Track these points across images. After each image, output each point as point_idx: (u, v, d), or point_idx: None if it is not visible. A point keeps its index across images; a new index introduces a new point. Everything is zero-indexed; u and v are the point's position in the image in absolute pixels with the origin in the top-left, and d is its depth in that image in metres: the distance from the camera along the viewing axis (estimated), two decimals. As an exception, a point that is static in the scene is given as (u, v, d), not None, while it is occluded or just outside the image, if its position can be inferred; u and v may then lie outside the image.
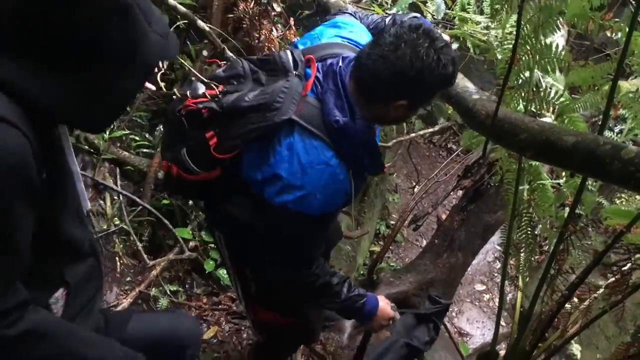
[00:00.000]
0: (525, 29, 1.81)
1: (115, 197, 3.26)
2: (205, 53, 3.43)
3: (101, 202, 3.19)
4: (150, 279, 3.02)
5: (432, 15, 2.78)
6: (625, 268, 1.99)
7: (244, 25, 3.61)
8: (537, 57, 1.81)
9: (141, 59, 1.13)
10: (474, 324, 4.74)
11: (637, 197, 2.79)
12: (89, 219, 1.44)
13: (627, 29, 1.50)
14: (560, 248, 2.09)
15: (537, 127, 1.64)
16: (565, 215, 2.01)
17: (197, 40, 3.75)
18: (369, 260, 4.39)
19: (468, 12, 2.68)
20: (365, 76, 1.61)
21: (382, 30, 1.66)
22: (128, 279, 3.10)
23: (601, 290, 2.12)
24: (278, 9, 3.73)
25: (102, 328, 1.48)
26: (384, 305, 2.03)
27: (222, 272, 3.29)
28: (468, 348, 3.93)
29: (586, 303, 2.20)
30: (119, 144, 3.45)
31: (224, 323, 3.20)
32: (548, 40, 1.85)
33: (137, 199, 3.16)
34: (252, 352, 2.80)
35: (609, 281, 2.08)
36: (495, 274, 5.25)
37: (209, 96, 1.70)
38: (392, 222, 5.11)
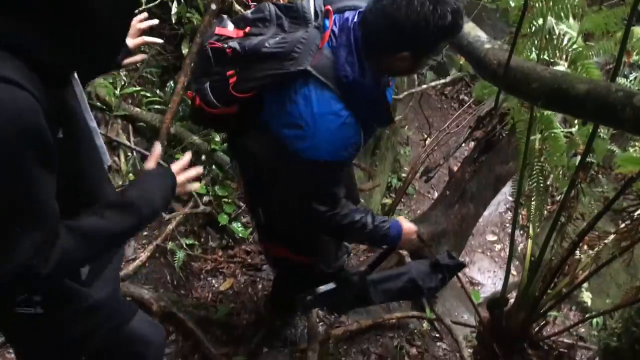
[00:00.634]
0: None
1: (129, 154, 3.30)
2: (213, 7, 3.39)
3: (115, 158, 3.23)
4: (167, 232, 3.08)
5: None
6: (637, 214, 2.00)
7: (252, -23, 3.56)
8: (551, 4, 1.78)
9: None
10: (485, 273, 4.82)
11: (651, 145, 2.77)
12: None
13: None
14: (571, 195, 2.10)
15: (549, 75, 1.63)
16: (577, 163, 2.01)
17: (204, -7, 3.70)
18: (381, 213, 4.44)
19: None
20: (368, 29, 1.67)
21: None
22: (145, 233, 3.16)
23: (611, 237, 2.14)
24: (286, -41, 3.67)
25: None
26: (407, 225, 2.12)
27: (237, 226, 3.35)
28: (480, 296, 4.00)
29: (597, 249, 2.22)
30: (130, 101, 3.46)
31: (239, 275, 3.27)
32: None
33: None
34: (268, 300, 2.90)
35: (618, 228, 2.09)
36: (507, 225, 5.28)
37: (235, 34, 1.81)
38: (404, 175, 5.13)
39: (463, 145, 4.14)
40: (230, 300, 3.09)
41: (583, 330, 4.26)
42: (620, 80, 2.41)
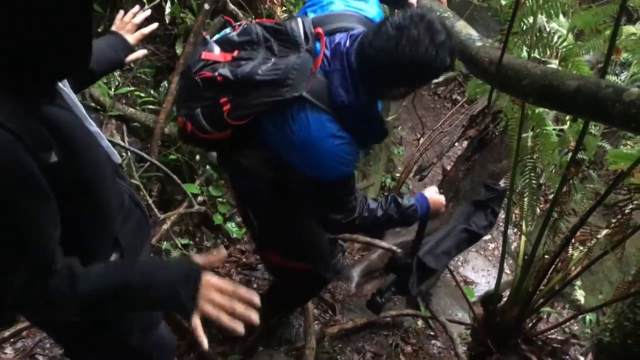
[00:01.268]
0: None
1: (124, 154, 3.30)
2: (207, 6, 3.39)
3: (110, 159, 3.23)
4: (162, 232, 3.08)
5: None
6: (628, 208, 2.02)
7: (245, -23, 3.57)
8: (541, 2, 1.80)
9: None
10: (479, 272, 4.84)
11: (642, 142, 2.80)
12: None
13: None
14: (563, 192, 2.12)
15: (540, 72, 1.65)
16: (569, 159, 2.04)
17: (198, -7, 3.71)
18: (375, 212, 4.45)
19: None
20: (367, 65, 1.69)
21: (386, 20, 1.69)
22: (140, 233, 3.16)
23: (603, 232, 2.16)
24: (279, -41, 3.68)
25: None
26: (433, 196, 2.14)
27: (231, 225, 3.36)
28: (474, 294, 4.02)
29: (589, 244, 2.25)
30: (124, 101, 3.46)
31: (234, 275, 3.28)
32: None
33: (145, 155, 3.19)
34: (264, 299, 2.90)
35: (610, 222, 2.12)
36: (500, 224, 5.27)
37: (222, 58, 1.78)
38: (398, 175, 5.15)
39: (456, 144, 4.17)
40: (226, 300, 3.09)
41: (576, 327, 4.29)
42: (611, 78, 2.43)
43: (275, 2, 3.62)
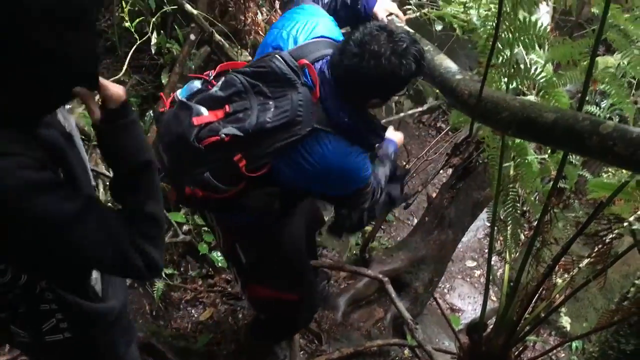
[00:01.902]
0: (505, 6, 1.84)
1: (108, 183, 3.28)
2: (192, 37, 3.43)
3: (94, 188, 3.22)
4: (146, 263, 3.06)
5: (417, -3, 2.80)
6: (608, 238, 2.05)
7: (230, 9, 3.63)
8: (517, 34, 1.84)
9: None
10: (465, 299, 4.82)
11: (623, 171, 2.84)
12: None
13: (604, 5, 1.53)
14: (545, 220, 2.15)
15: (518, 104, 1.68)
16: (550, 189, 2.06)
17: (184, 24, 3.75)
18: (361, 240, 4.45)
19: (452, -8, 2.70)
20: (337, 83, 1.77)
21: (348, 37, 1.76)
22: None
23: (585, 261, 2.18)
24: (264, -8, 3.74)
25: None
26: (394, 139, 2.30)
27: (216, 255, 3.34)
28: (460, 322, 4.01)
29: (571, 273, 2.26)
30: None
31: (219, 304, 3.25)
32: (533, 18, 1.88)
33: (130, 185, 3.18)
34: (249, 329, 2.87)
35: (592, 251, 2.14)
36: (486, 251, 5.32)
37: (215, 117, 1.76)
38: (384, 202, 5.16)
39: (441, 172, 4.19)
40: (211, 330, 3.06)
41: (563, 355, 4.28)
42: (591, 108, 2.48)
43: (261, 32, 3.67)
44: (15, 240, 1.09)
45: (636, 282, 2.13)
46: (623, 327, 2.06)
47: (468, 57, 4.94)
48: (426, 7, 3.05)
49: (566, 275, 2.34)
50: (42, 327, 1.36)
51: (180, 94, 1.89)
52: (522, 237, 2.59)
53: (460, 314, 4.70)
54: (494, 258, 2.63)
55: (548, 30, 1.84)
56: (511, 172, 2.30)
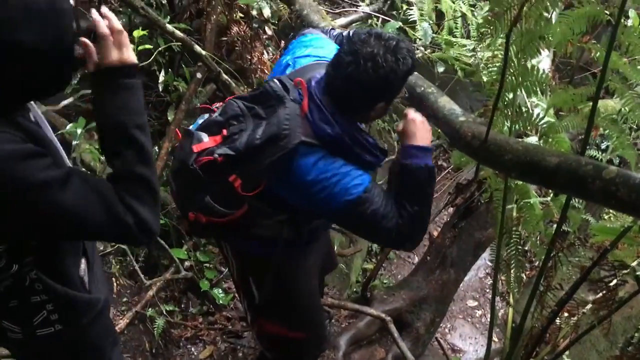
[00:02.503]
0: (510, 51, 1.88)
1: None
2: (199, 75, 3.48)
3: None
4: (147, 299, 3.04)
5: (420, 40, 2.86)
6: (612, 284, 2.04)
7: (237, 48, 3.69)
8: (520, 79, 1.88)
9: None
10: (466, 340, 4.76)
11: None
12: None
13: (605, 56, 1.57)
14: (549, 265, 2.15)
15: (522, 148, 1.71)
16: (553, 232, 2.07)
17: (191, 62, 3.81)
18: (362, 278, 4.43)
19: (455, 36, 2.76)
20: (339, 97, 1.76)
21: (339, 51, 1.78)
22: (125, 299, 3.12)
23: (589, 306, 2.17)
24: (269, 32, 3.82)
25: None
26: (416, 128, 1.89)
27: (218, 292, 3.32)
28: (462, 364, 3.96)
29: (575, 318, 2.25)
30: (114, 165, 3.48)
31: (219, 342, 3.21)
32: (534, 61, 1.93)
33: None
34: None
35: (596, 297, 2.13)
36: (487, 290, 5.28)
37: (214, 142, 1.79)
38: (385, 240, 5.14)
39: (443, 211, 4.20)
40: (210, 369, 3.03)
41: (567, 398, 4.21)
42: (593, 152, 2.51)
43: (266, 71, 3.73)
44: (7, 212, 1.13)
45: (640, 327, 2.11)
46: (628, 373, 2.04)
47: (469, 98, 5.00)
48: (428, 48, 3.11)
49: (572, 318, 2.32)
50: (34, 320, 1.38)
51: (192, 125, 1.96)
52: (524, 277, 2.58)
53: (461, 355, 4.64)
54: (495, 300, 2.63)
55: (549, 76, 1.88)
56: (514, 214, 2.31)
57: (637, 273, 1.93)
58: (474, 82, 2.71)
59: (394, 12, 3.76)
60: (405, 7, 3.03)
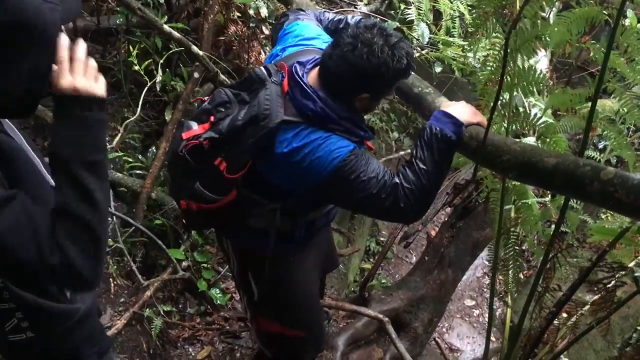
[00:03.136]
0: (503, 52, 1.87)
1: (109, 218, 3.28)
2: (196, 75, 3.48)
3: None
4: (144, 299, 3.03)
5: (417, 40, 2.85)
6: (610, 285, 2.04)
7: (234, 48, 3.69)
8: (516, 80, 1.87)
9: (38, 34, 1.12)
10: (464, 339, 4.77)
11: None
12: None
13: (604, 58, 1.56)
14: (547, 266, 2.14)
15: (519, 149, 1.70)
16: (551, 232, 2.06)
17: (189, 62, 3.81)
18: (360, 278, 4.43)
19: (453, 36, 2.76)
20: (329, 75, 1.79)
21: (342, 31, 1.83)
22: (122, 300, 3.11)
23: (587, 307, 2.17)
24: (267, 32, 3.81)
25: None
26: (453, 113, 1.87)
27: (215, 292, 3.32)
28: (459, 363, 3.96)
29: (574, 319, 2.24)
30: (112, 166, 3.48)
31: (217, 343, 3.21)
32: (532, 61, 1.92)
33: (130, 220, 3.18)
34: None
35: (594, 298, 2.13)
36: (485, 290, 5.29)
37: (202, 129, 1.84)
38: (382, 239, 5.15)
39: (440, 211, 4.19)
40: (208, 370, 3.02)
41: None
42: (590, 152, 2.50)
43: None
44: None
45: (639, 327, 2.11)
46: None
47: (467, 99, 4.98)
48: (425, 48, 3.10)
49: (570, 319, 2.32)
50: (5, 326, 1.36)
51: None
52: (522, 276, 2.58)
53: (459, 354, 4.65)
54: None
55: (547, 77, 1.87)
56: (512, 214, 2.31)
57: (636, 274, 1.93)
58: (471, 82, 2.71)
59: (392, 12, 3.76)
60: (403, 6, 3.02)
